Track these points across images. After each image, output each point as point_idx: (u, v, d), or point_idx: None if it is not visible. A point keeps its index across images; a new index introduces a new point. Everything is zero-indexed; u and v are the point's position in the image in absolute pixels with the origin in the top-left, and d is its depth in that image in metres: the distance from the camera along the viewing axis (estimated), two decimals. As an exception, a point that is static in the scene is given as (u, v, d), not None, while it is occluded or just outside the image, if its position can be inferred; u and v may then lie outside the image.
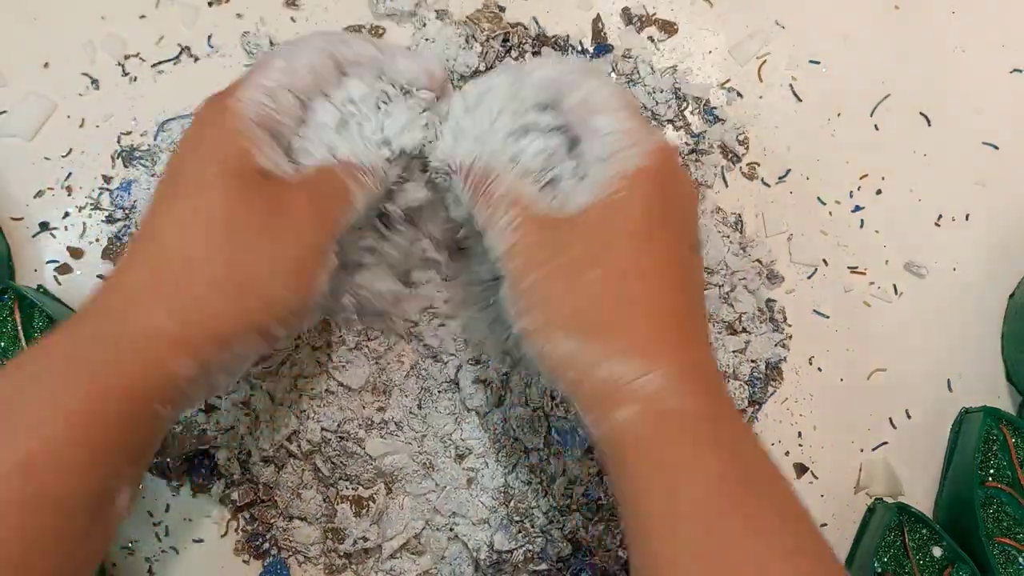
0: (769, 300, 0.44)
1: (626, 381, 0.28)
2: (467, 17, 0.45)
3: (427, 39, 0.44)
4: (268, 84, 0.32)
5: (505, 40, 0.44)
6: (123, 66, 0.45)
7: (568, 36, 0.45)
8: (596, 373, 0.29)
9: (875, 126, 0.46)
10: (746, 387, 0.42)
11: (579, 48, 0.45)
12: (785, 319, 0.44)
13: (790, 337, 0.44)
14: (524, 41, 0.45)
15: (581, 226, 0.30)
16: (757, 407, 0.43)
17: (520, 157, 0.33)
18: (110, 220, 0.44)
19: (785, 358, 0.44)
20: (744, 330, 0.42)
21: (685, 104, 0.45)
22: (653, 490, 0.28)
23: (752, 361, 0.42)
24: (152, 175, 0.43)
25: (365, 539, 0.40)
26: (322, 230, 0.32)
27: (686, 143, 0.45)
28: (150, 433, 0.29)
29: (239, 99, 0.32)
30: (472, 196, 0.33)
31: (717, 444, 0.28)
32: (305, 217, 0.31)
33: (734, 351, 0.42)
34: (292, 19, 0.46)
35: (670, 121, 0.45)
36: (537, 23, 0.46)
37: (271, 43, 0.45)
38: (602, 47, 0.45)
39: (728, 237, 0.43)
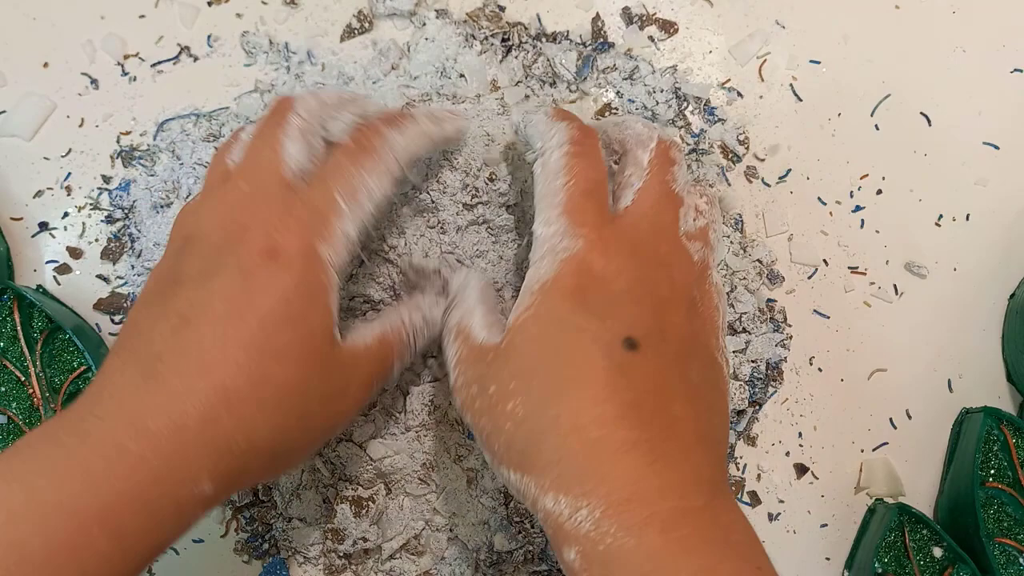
0: (769, 300, 0.44)
1: (564, 519, 0.26)
2: (467, 15, 0.45)
3: (427, 38, 0.44)
4: (354, 237, 0.30)
5: (505, 39, 0.44)
6: (123, 66, 0.45)
7: (568, 32, 0.45)
8: (539, 509, 0.27)
9: (875, 126, 0.46)
10: (746, 387, 0.42)
11: (579, 41, 0.45)
12: (785, 319, 0.44)
13: (790, 337, 0.44)
14: (524, 40, 0.45)
15: (501, 355, 0.29)
16: (757, 407, 0.43)
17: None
18: (110, 220, 0.44)
19: (785, 358, 0.44)
20: (744, 330, 0.42)
21: (685, 104, 0.45)
22: None
23: (752, 361, 0.42)
24: (152, 175, 0.43)
25: (365, 539, 0.40)
26: (355, 409, 0.32)
27: (686, 143, 0.45)
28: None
29: (332, 250, 0.29)
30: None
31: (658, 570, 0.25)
32: (360, 387, 0.31)
33: (735, 351, 0.42)
34: (291, 25, 0.46)
35: (671, 121, 0.45)
36: (539, 20, 0.46)
37: (271, 43, 0.45)
38: (602, 45, 0.45)
39: (728, 237, 0.43)
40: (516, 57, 0.44)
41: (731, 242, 0.43)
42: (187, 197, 0.42)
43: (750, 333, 0.42)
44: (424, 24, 0.44)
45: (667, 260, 0.30)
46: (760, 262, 0.44)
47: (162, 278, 0.30)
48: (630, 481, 0.26)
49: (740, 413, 0.42)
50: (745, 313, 0.42)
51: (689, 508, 0.26)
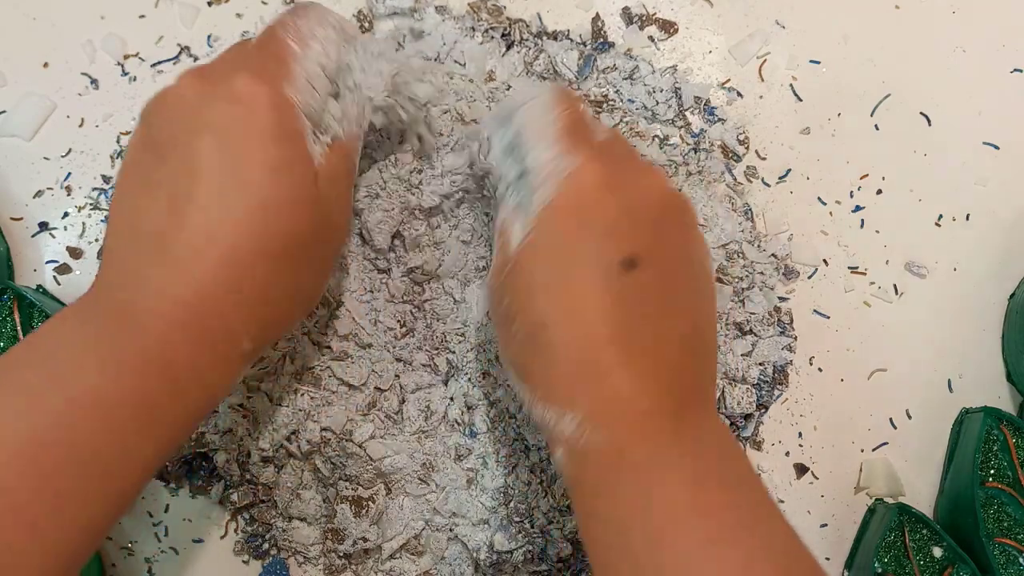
0: (781, 297, 0.44)
1: (552, 425, 0.28)
2: (469, 5, 0.45)
3: (426, 32, 0.44)
4: (314, 71, 0.31)
5: (505, 34, 0.44)
6: (123, 66, 0.45)
7: (568, 31, 0.45)
8: (535, 417, 0.29)
9: (875, 126, 0.46)
10: (753, 391, 0.42)
11: (579, 41, 0.45)
12: (791, 322, 0.44)
13: (795, 339, 0.44)
14: (525, 37, 0.45)
15: (512, 272, 0.30)
16: (763, 410, 0.43)
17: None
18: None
19: (791, 361, 0.44)
20: (752, 332, 0.42)
21: (685, 104, 0.45)
22: (589, 538, 0.28)
23: (760, 364, 0.42)
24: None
25: (365, 539, 0.40)
26: (349, 212, 0.33)
27: (686, 143, 0.45)
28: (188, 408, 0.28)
29: (296, 89, 0.30)
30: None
31: (634, 481, 0.27)
32: (343, 208, 0.32)
33: (742, 354, 0.42)
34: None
35: (671, 121, 0.45)
36: (540, 19, 0.46)
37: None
38: (602, 45, 0.45)
39: (740, 225, 0.43)
40: (518, 52, 0.44)
41: (742, 230, 0.43)
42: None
43: (757, 336, 0.42)
44: (422, 20, 0.44)
45: (653, 174, 0.31)
46: (775, 256, 0.44)
47: (138, 150, 0.30)
48: (612, 393, 0.27)
49: (747, 417, 0.42)
50: (754, 314, 0.42)
51: (664, 410, 0.27)
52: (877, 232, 0.45)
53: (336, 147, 0.32)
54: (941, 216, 0.46)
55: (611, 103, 0.44)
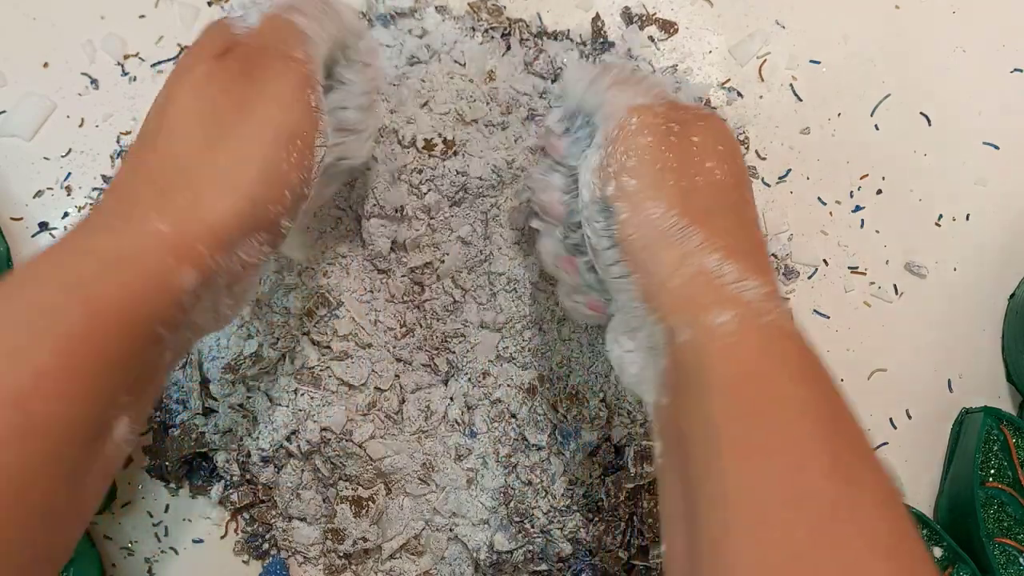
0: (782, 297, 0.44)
1: (727, 282, 0.27)
2: (469, 5, 0.45)
3: (428, 31, 0.44)
4: (322, 35, 0.32)
5: (505, 34, 0.44)
6: (123, 66, 0.45)
7: (568, 31, 0.45)
8: (690, 264, 0.27)
9: (875, 126, 0.46)
10: None
11: (579, 41, 0.45)
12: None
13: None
14: (526, 37, 0.45)
15: (695, 122, 0.30)
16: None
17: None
18: (110, 220, 0.44)
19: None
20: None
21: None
22: (736, 413, 0.25)
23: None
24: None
25: (365, 539, 0.40)
26: (303, 92, 0.30)
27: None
28: (151, 359, 0.27)
29: (310, 58, 0.31)
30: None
31: (816, 380, 0.26)
32: (288, 84, 0.30)
33: None
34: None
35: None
36: (540, 19, 0.46)
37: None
38: (602, 45, 0.45)
39: None
40: (518, 52, 0.44)
41: None
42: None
43: None
44: (422, 20, 0.44)
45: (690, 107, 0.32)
46: (776, 256, 0.44)
47: (158, 111, 0.30)
48: (776, 284, 0.28)
49: None
50: None
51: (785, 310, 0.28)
52: (877, 232, 0.45)
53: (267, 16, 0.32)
54: (941, 216, 0.46)
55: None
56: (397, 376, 0.41)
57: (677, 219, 0.28)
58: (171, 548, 0.41)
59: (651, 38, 0.46)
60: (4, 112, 0.44)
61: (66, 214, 0.44)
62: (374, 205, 0.39)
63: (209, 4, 0.46)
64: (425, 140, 0.39)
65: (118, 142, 0.44)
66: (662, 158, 0.29)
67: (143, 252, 0.26)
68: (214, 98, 0.29)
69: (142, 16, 0.46)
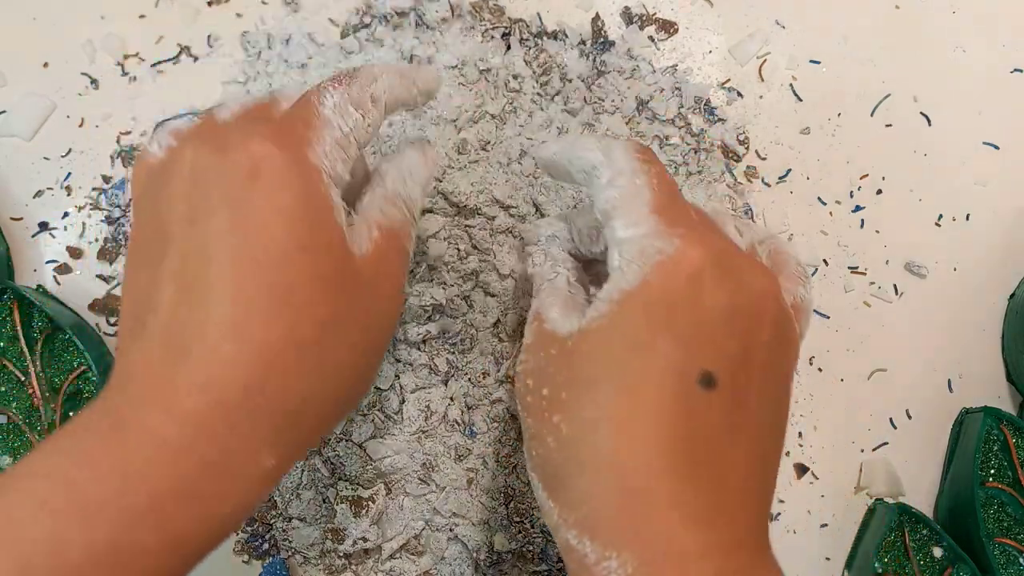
0: None
1: (590, 562, 0.24)
2: (471, 5, 0.45)
3: (428, 27, 0.44)
4: (344, 132, 0.27)
5: (505, 35, 0.44)
6: (122, 66, 0.45)
7: (568, 31, 0.45)
8: (559, 539, 0.25)
9: (875, 126, 0.46)
10: None
11: (579, 40, 0.45)
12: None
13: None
14: (526, 37, 0.45)
15: (563, 356, 0.26)
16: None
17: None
18: (109, 220, 0.44)
19: (792, 361, 0.44)
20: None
21: (685, 104, 0.45)
22: None
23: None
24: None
25: (365, 539, 0.40)
26: (398, 298, 0.28)
27: (686, 143, 0.45)
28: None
29: (323, 155, 0.26)
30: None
31: None
32: (391, 293, 0.28)
33: None
34: (291, 25, 0.46)
35: (671, 121, 0.45)
36: (540, 19, 0.46)
37: (269, 42, 0.45)
38: (602, 44, 0.45)
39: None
40: (518, 52, 0.44)
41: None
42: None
43: None
44: (423, 18, 0.45)
45: (760, 274, 0.26)
46: None
47: (145, 231, 0.26)
48: (669, 539, 0.23)
49: None
50: None
51: (730, 569, 0.24)
52: (877, 232, 0.45)
53: (384, 231, 0.28)
54: (941, 216, 0.46)
55: (612, 104, 0.44)
56: (397, 376, 0.41)
57: (543, 497, 0.25)
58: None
59: (651, 38, 0.46)
60: (4, 112, 0.44)
61: (66, 214, 0.44)
62: None
63: (209, 4, 0.46)
64: None
65: (118, 142, 0.44)
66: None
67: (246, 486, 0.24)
68: (336, 318, 0.26)
69: (142, 16, 0.46)
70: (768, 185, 0.45)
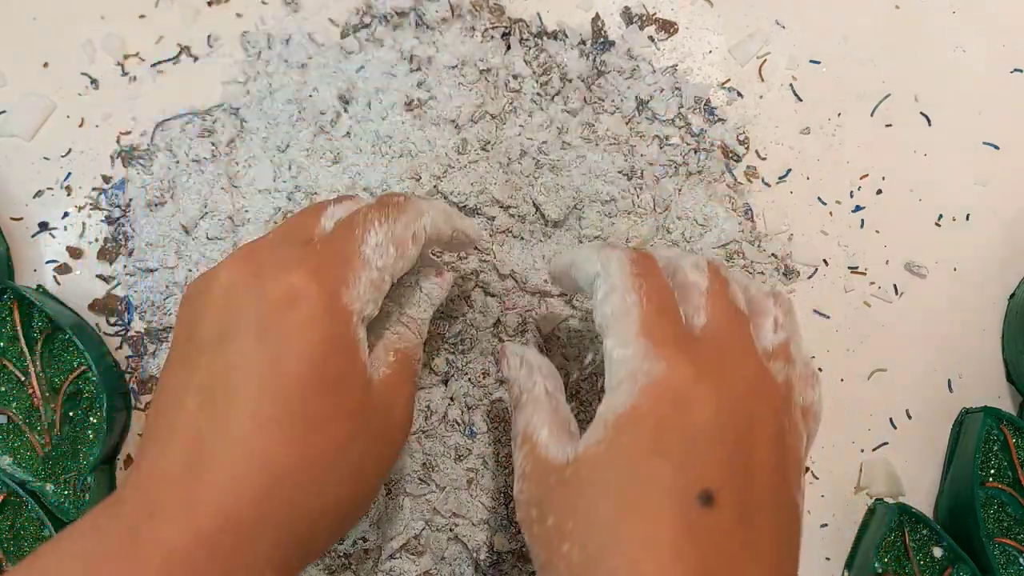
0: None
1: None
2: (471, 4, 0.45)
3: (428, 27, 0.44)
4: (380, 270, 0.28)
5: (505, 35, 0.44)
6: (122, 66, 0.45)
7: (568, 31, 0.45)
8: None
9: (875, 126, 0.46)
10: None
11: (579, 40, 0.45)
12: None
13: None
14: (526, 37, 0.45)
15: (565, 484, 0.26)
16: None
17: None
18: (109, 220, 0.44)
19: (792, 362, 0.44)
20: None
21: (685, 104, 0.45)
22: None
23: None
24: (148, 174, 0.43)
25: (365, 539, 0.40)
26: (408, 419, 0.29)
27: (686, 143, 0.45)
28: None
29: (357, 297, 0.27)
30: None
31: None
32: (401, 418, 0.29)
33: None
34: (291, 25, 0.46)
35: (671, 120, 0.45)
36: (540, 19, 0.46)
37: (269, 42, 0.45)
38: (602, 44, 0.45)
39: (740, 225, 0.43)
40: (518, 52, 0.44)
41: (742, 230, 0.43)
42: (182, 196, 0.42)
43: None
44: (423, 18, 0.45)
45: (753, 385, 0.27)
46: (775, 256, 0.44)
47: (180, 340, 0.27)
48: None
49: None
50: None
51: None
52: (877, 232, 0.45)
53: (399, 355, 0.30)
54: (941, 216, 0.46)
55: (612, 104, 0.44)
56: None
57: None
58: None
59: (651, 38, 0.46)
60: (4, 112, 0.44)
61: (66, 214, 0.44)
62: None
63: (209, 4, 0.46)
64: None
65: (118, 142, 0.44)
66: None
67: None
68: (363, 461, 0.28)
69: (142, 16, 0.46)
70: (768, 185, 0.45)
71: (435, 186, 0.40)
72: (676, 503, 0.24)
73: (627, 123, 0.44)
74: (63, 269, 0.43)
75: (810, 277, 0.45)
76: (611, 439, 0.25)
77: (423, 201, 0.31)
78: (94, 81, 0.45)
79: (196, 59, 0.45)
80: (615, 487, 0.25)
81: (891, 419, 0.44)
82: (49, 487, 0.39)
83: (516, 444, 0.29)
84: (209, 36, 0.46)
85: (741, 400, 0.26)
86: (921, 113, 0.46)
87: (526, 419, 0.29)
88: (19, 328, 0.40)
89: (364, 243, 0.28)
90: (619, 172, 0.42)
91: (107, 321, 0.43)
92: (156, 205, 0.43)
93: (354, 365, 0.27)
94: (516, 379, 0.32)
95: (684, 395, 0.25)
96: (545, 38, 0.45)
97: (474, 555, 0.40)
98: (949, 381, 0.44)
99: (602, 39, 0.46)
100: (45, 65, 0.45)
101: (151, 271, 0.42)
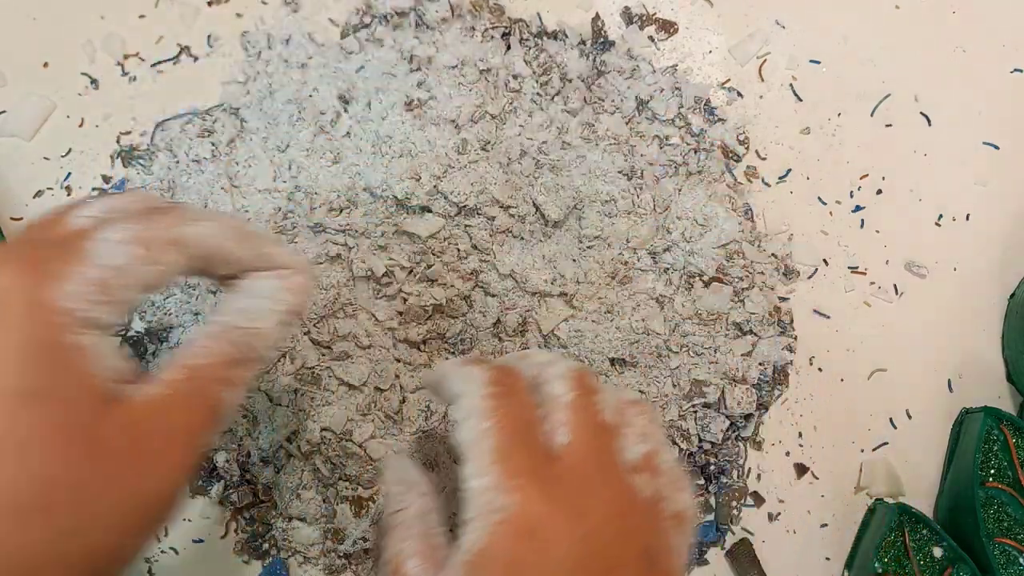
0: (781, 297, 0.44)
1: None
2: (471, 4, 0.45)
3: (428, 26, 0.44)
4: (110, 270, 0.24)
5: (505, 35, 0.44)
6: (122, 66, 0.45)
7: (568, 31, 0.45)
8: None
9: (875, 126, 0.46)
10: (753, 391, 0.42)
11: (579, 40, 0.45)
12: (792, 322, 0.44)
13: (795, 339, 0.44)
14: (526, 37, 0.45)
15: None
16: (764, 410, 0.43)
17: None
18: (109, 220, 0.44)
19: (791, 361, 0.44)
20: (752, 332, 0.42)
21: (685, 104, 0.45)
22: None
23: (760, 364, 0.42)
24: (148, 174, 0.43)
25: (365, 539, 0.40)
26: (180, 480, 0.24)
27: (686, 143, 0.45)
28: None
29: (71, 295, 0.23)
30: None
31: None
32: (173, 449, 0.24)
33: (742, 354, 0.42)
34: (291, 24, 0.46)
35: (671, 120, 0.45)
36: (540, 19, 0.46)
37: (269, 42, 0.45)
38: (602, 44, 0.45)
39: (740, 224, 0.43)
40: (518, 52, 0.44)
41: (742, 230, 0.43)
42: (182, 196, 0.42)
43: (757, 336, 0.42)
44: (423, 18, 0.45)
45: (616, 508, 0.26)
46: (775, 256, 0.44)
47: None
48: None
49: (747, 417, 0.42)
50: (754, 314, 0.42)
51: None
52: (877, 232, 0.45)
53: (190, 374, 0.25)
54: (941, 216, 0.46)
55: (612, 103, 0.44)
56: (397, 376, 0.41)
57: None
58: (171, 548, 0.41)
59: (651, 38, 0.46)
60: (4, 112, 0.44)
61: (66, 214, 0.44)
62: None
63: (209, 4, 0.46)
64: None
65: (118, 142, 0.44)
66: None
67: None
68: (70, 468, 0.22)
69: (142, 16, 0.46)
70: (768, 185, 0.45)
71: (435, 186, 0.40)
72: None
73: (627, 123, 0.44)
74: (63, 269, 0.43)
75: (810, 277, 0.45)
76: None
77: (204, 212, 0.27)
78: (94, 81, 0.45)
79: (196, 59, 0.45)
80: None
81: (891, 419, 0.44)
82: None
83: (386, 572, 0.28)
84: (209, 36, 0.46)
85: (602, 527, 0.25)
86: (921, 113, 0.46)
87: (396, 546, 0.28)
88: (19, 328, 0.40)
89: (90, 238, 0.24)
90: (619, 172, 0.42)
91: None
92: (156, 205, 0.43)
93: (68, 376, 0.22)
94: (391, 494, 0.30)
95: (539, 529, 0.24)
96: (545, 38, 0.45)
97: (474, 555, 0.40)
98: (949, 381, 0.44)
99: (602, 39, 0.46)
100: (45, 65, 0.45)
101: (151, 271, 0.42)
